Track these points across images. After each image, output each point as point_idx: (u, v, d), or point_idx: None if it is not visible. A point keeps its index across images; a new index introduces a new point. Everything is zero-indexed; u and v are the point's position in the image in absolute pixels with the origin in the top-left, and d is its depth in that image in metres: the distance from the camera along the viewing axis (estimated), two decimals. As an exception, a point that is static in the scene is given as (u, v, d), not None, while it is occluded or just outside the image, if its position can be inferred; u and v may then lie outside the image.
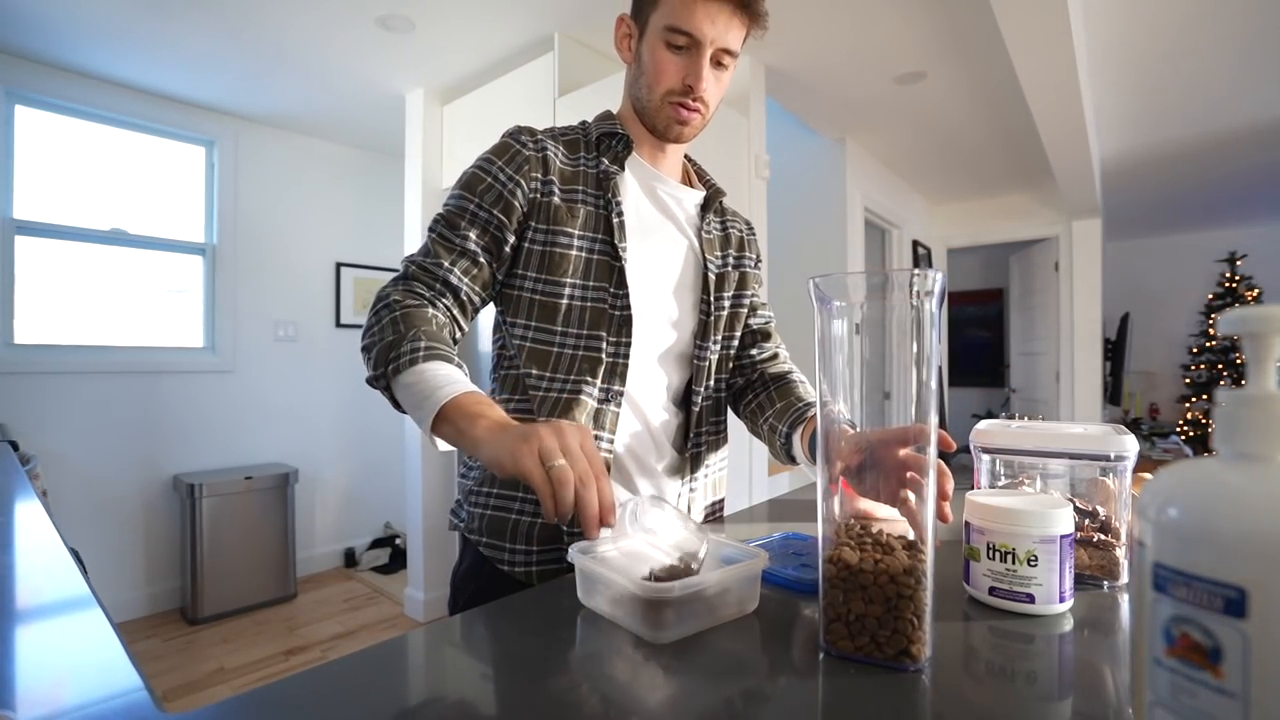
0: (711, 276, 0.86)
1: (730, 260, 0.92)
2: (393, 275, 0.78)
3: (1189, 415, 5.38)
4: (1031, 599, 0.52)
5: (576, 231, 0.79)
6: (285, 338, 3.21)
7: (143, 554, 2.74)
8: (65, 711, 0.36)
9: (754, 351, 0.95)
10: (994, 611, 0.54)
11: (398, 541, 3.43)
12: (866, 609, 0.45)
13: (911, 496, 0.53)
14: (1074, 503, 0.63)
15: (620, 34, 0.83)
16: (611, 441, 0.79)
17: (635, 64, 0.81)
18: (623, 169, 0.83)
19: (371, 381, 0.71)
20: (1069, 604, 0.53)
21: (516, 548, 0.79)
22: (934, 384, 0.45)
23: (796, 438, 0.80)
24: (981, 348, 6.47)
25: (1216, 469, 0.27)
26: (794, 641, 0.49)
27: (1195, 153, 3.68)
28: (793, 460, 0.84)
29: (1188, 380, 5.55)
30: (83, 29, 2.26)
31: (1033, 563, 0.52)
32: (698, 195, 0.89)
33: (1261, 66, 2.61)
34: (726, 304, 0.90)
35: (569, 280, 0.78)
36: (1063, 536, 0.52)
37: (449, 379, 0.66)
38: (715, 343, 0.88)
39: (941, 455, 0.59)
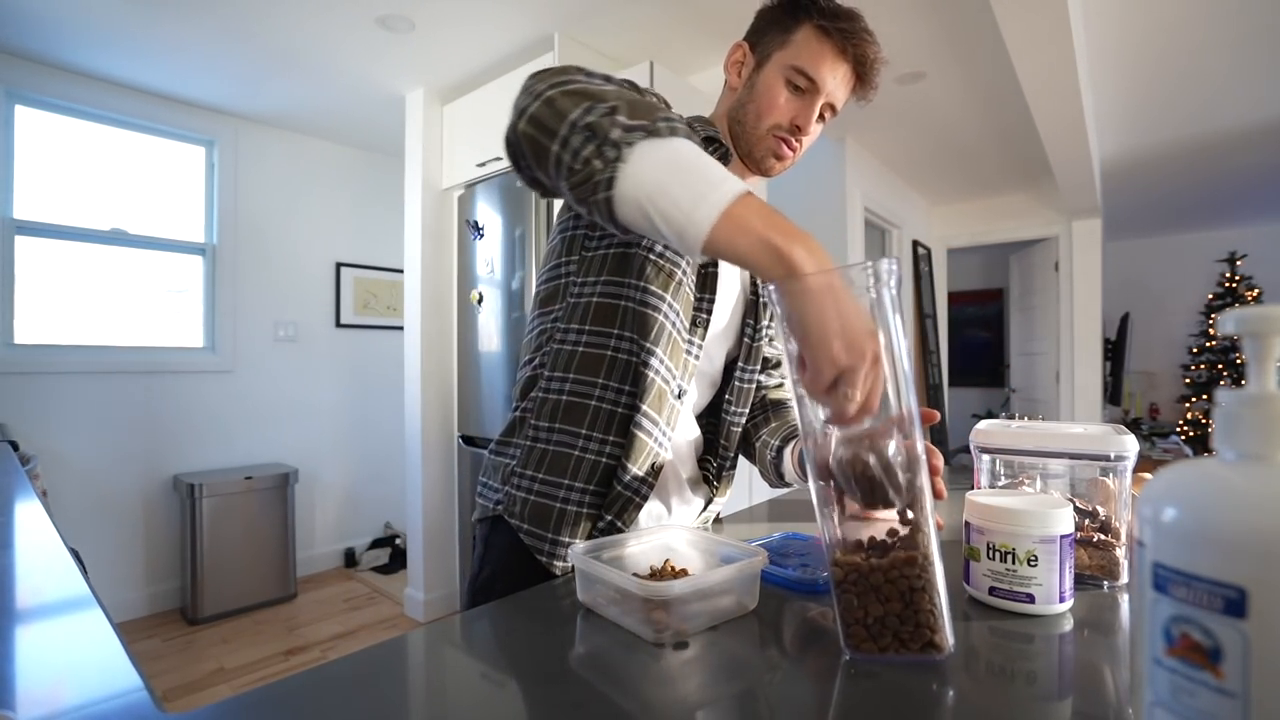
0: (760, 303, 0.85)
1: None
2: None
3: (1189, 415, 5.38)
4: (1031, 599, 0.52)
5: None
6: (285, 338, 3.21)
7: (143, 554, 2.74)
8: (65, 711, 0.36)
9: (761, 378, 0.93)
10: (994, 611, 0.54)
11: (398, 541, 3.43)
12: (885, 608, 0.44)
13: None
14: (1074, 503, 0.63)
15: (734, 58, 0.83)
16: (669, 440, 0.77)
17: (745, 90, 0.81)
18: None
19: (566, 162, 0.54)
20: (1069, 604, 0.53)
21: (560, 539, 0.73)
22: (907, 367, 0.45)
23: (787, 452, 0.80)
24: (981, 348, 6.47)
25: (1216, 469, 0.27)
26: (795, 641, 0.49)
27: (1195, 153, 3.68)
28: (781, 479, 0.83)
29: (1188, 380, 5.54)
30: (83, 29, 2.26)
31: (1033, 563, 0.52)
32: None
33: (1262, 66, 2.61)
34: (765, 330, 0.89)
35: (632, 281, 0.74)
36: (1063, 536, 0.52)
37: (720, 166, 0.52)
38: (756, 368, 0.86)
39: (942, 457, 0.58)
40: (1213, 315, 5.47)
